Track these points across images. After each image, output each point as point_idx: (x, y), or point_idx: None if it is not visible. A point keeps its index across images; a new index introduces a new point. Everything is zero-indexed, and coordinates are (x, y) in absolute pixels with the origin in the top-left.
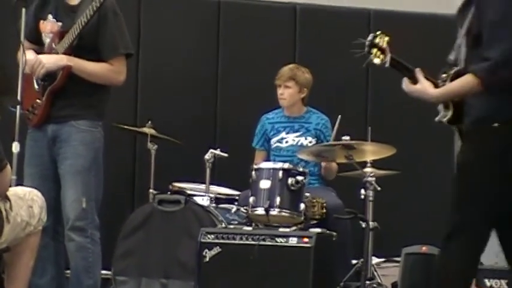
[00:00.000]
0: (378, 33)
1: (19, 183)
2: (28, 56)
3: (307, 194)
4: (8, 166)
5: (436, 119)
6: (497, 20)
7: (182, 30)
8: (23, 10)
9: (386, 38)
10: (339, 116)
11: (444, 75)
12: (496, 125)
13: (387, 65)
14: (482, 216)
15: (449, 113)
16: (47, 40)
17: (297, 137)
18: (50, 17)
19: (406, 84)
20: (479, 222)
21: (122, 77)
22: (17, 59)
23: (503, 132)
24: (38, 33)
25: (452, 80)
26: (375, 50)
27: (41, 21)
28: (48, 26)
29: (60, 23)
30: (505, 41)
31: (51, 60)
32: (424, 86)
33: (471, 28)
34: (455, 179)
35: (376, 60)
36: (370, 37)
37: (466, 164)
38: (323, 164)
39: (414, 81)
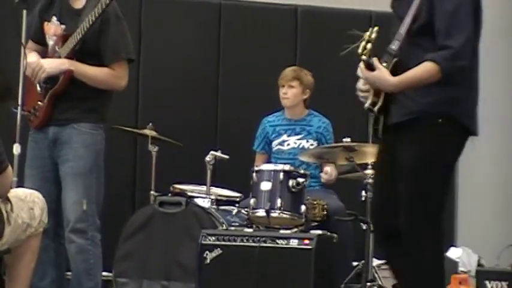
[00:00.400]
0: (376, 29)
1: (20, 184)
2: (30, 58)
3: (308, 197)
4: (9, 168)
5: (366, 105)
6: (455, 11)
7: (183, 32)
8: (24, 12)
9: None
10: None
11: (385, 64)
12: (439, 120)
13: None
14: (440, 207)
15: (381, 101)
16: (50, 42)
17: (298, 139)
18: (54, 19)
19: (362, 70)
20: (439, 212)
21: (123, 82)
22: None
23: (445, 128)
24: (43, 34)
25: (393, 69)
26: (369, 45)
27: (45, 23)
28: (52, 28)
29: (63, 26)
30: (463, 32)
31: (52, 65)
32: (382, 73)
33: (418, 17)
34: (407, 177)
35: (365, 58)
36: (371, 34)
37: (414, 159)
38: (323, 177)
39: (371, 68)
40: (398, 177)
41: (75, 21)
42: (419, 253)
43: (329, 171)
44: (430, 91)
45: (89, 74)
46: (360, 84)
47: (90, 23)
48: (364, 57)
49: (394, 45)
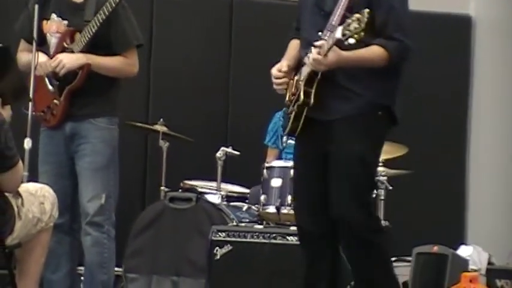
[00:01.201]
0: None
1: (31, 179)
2: (40, 58)
3: None
4: (20, 162)
5: (301, 100)
6: (401, 5)
7: (194, 28)
8: (36, 7)
9: None
10: None
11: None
12: (380, 113)
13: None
14: None
15: (313, 93)
16: (52, 40)
17: None
18: (54, 16)
19: (320, 56)
20: None
21: (135, 69)
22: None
23: (384, 120)
24: (42, 33)
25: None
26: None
27: (44, 22)
28: (54, 25)
29: (65, 22)
30: (409, 26)
31: (71, 60)
32: (338, 51)
33: (351, 9)
34: (354, 169)
35: (353, 40)
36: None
37: (363, 151)
38: None
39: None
40: (334, 171)
41: (79, 16)
42: (377, 238)
43: None
44: (370, 84)
45: (105, 65)
46: (277, 70)
47: (103, 17)
48: (351, 40)
49: (327, 36)
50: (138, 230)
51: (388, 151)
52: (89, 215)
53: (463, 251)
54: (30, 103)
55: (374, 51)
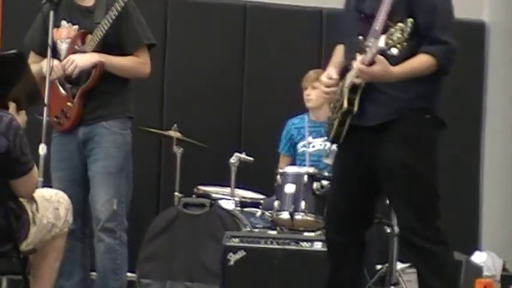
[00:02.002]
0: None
1: (45, 185)
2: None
3: None
4: (35, 168)
5: (345, 106)
6: (445, 5)
7: (208, 34)
8: (51, 13)
9: None
10: None
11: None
12: (427, 116)
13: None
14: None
15: (357, 100)
16: (62, 46)
17: (323, 141)
18: (63, 23)
19: (365, 66)
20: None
21: (148, 69)
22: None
23: (432, 124)
24: (46, 45)
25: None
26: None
27: (55, 29)
28: (64, 31)
29: (76, 26)
30: (452, 28)
31: (83, 59)
32: (386, 66)
33: (393, 13)
34: (404, 177)
35: (396, 51)
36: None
37: (411, 158)
38: None
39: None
40: (380, 179)
41: (90, 19)
42: (440, 248)
43: None
44: (409, 87)
45: (118, 64)
46: (327, 78)
47: (115, 14)
48: (394, 50)
49: (371, 43)
50: (152, 236)
51: None
52: (100, 220)
53: (478, 258)
54: (45, 108)
55: (422, 61)
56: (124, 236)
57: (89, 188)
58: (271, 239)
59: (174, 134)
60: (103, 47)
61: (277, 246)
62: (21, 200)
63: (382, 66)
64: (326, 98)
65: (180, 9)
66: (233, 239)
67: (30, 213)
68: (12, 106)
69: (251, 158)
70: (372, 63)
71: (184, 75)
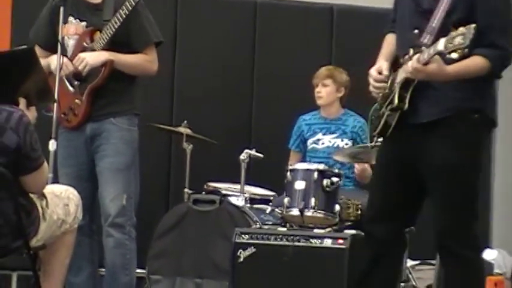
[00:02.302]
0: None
1: (55, 181)
2: (55, 60)
3: (342, 196)
4: (45, 164)
5: (395, 102)
6: (506, 10)
7: (218, 30)
8: (61, 9)
9: None
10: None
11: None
12: (476, 116)
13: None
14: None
15: (408, 96)
16: (70, 42)
17: (333, 138)
18: (71, 19)
19: (420, 66)
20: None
21: (156, 66)
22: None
23: (480, 123)
24: (54, 40)
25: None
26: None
27: (62, 25)
28: (72, 28)
29: (84, 23)
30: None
31: (93, 57)
32: (441, 65)
33: (452, 11)
34: (450, 177)
35: (456, 55)
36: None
37: (460, 159)
38: (356, 171)
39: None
40: (425, 178)
41: (98, 16)
42: (476, 256)
43: (360, 167)
44: (461, 85)
45: (127, 61)
46: (376, 72)
47: (126, 13)
48: (454, 55)
49: (426, 39)
50: (161, 232)
51: None
52: (110, 216)
53: (488, 255)
54: (55, 104)
55: (477, 64)
56: (133, 232)
57: (96, 184)
58: (281, 236)
59: (184, 130)
60: (112, 45)
61: (287, 243)
62: (32, 196)
63: (437, 65)
64: (379, 91)
65: (190, 6)
66: (243, 236)
67: (40, 209)
68: (22, 102)
69: (261, 155)
70: (427, 63)
71: (195, 72)
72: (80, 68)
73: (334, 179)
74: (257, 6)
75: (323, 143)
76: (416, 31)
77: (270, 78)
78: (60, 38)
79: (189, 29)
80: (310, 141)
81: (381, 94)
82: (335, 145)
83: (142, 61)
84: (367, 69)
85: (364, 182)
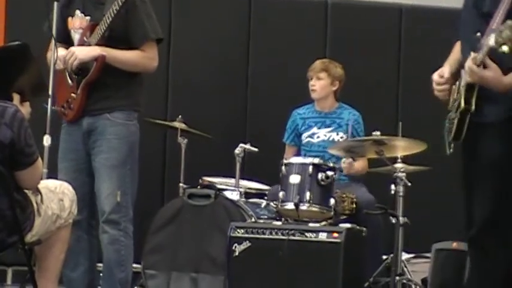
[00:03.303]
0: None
1: (50, 176)
2: (60, 52)
3: (337, 190)
4: (40, 159)
5: (462, 105)
6: None
7: (213, 24)
8: (55, 4)
9: None
10: (378, 132)
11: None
12: None
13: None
14: None
15: (474, 98)
16: (76, 36)
17: (328, 132)
18: (77, 12)
19: (476, 67)
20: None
21: (154, 63)
22: (45, 57)
23: None
24: (65, 32)
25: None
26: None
27: (69, 18)
28: (77, 21)
29: (88, 17)
30: None
31: (84, 52)
32: (497, 73)
33: (510, 12)
34: (486, 172)
35: (506, 48)
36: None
37: (501, 156)
38: (344, 165)
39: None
40: (479, 176)
41: (101, 10)
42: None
43: (346, 160)
44: None
45: (121, 58)
46: (438, 76)
47: (118, 7)
48: (505, 48)
49: (491, 41)
50: (157, 227)
51: (407, 147)
52: (105, 212)
53: None
54: (49, 99)
55: None
56: (129, 227)
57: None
58: (276, 230)
59: (178, 125)
60: (109, 40)
61: (282, 237)
62: (26, 191)
63: (493, 73)
64: (442, 94)
65: (185, 1)
66: (238, 230)
67: (35, 205)
68: (16, 97)
69: (256, 149)
70: (483, 63)
71: (189, 66)
72: (69, 61)
73: (329, 173)
74: (251, 1)
75: (318, 137)
76: (478, 34)
77: (265, 73)
78: (54, 33)
79: (183, 24)
80: (305, 135)
81: (451, 100)
82: (330, 138)
83: (138, 58)
84: (361, 63)
85: (358, 176)
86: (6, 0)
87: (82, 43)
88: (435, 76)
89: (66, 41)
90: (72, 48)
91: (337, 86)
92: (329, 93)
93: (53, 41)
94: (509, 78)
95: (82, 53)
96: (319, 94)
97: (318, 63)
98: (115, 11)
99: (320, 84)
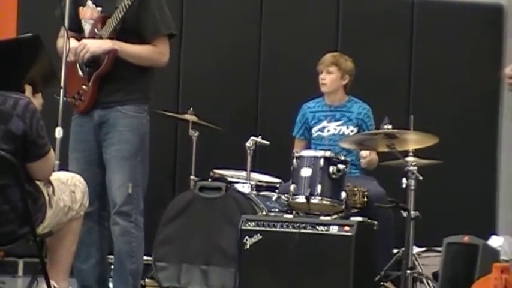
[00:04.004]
0: None
1: (62, 168)
2: (71, 43)
3: (348, 183)
4: (52, 151)
5: None
6: None
7: (224, 17)
8: None
9: None
10: (386, 117)
11: None
12: None
13: None
14: None
15: None
16: (86, 26)
17: (338, 125)
18: (89, 3)
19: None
20: None
21: (165, 58)
22: (56, 45)
23: None
24: (76, 22)
25: None
26: None
27: (80, 8)
28: (88, 12)
29: (99, 8)
30: None
31: (95, 45)
32: None
33: None
34: None
35: None
36: None
37: None
38: (362, 161)
39: None
40: None
41: (112, 2)
42: None
43: (365, 154)
44: None
45: (132, 52)
46: (510, 70)
47: (129, 2)
48: None
49: None
50: (168, 219)
51: (419, 141)
52: (116, 204)
53: (494, 242)
54: (61, 91)
55: None
56: (140, 219)
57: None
58: (287, 223)
59: (190, 117)
60: (121, 33)
61: (293, 230)
62: (38, 183)
63: None
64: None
65: None
66: (249, 223)
67: (46, 196)
68: (28, 89)
69: (267, 142)
70: None
71: (201, 59)
72: (81, 54)
73: (340, 166)
74: None
75: (328, 131)
76: None
77: (276, 66)
78: (66, 24)
79: (195, 16)
80: (315, 128)
81: None
82: (340, 132)
83: (149, 52)
84: (372, 57)
85: (369, 169)
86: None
87: (93, 35)
88: (508, 70)
89: (76, 30)
90: (84, 41)
91: (347, 80)
92: (339, 87)
93: (64, 31)
94: None
95: (94, 46)
96: (329, 88)
97: (328, 57)
98: (128, 5)
99: (330, 78)
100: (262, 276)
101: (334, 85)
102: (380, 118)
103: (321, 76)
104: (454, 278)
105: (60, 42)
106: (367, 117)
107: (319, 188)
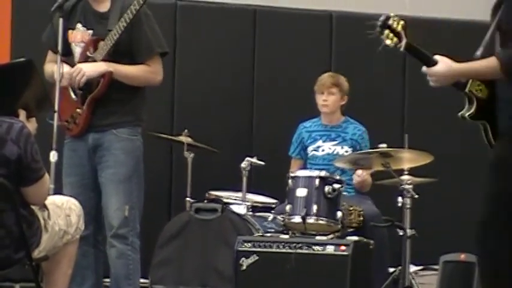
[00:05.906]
0: (391, 14)
1: (57, 192)
2: (64, 68)
3: (344, 203)
4: (47, 175)
5: (460, 113)
6: None
7: (218, 38)
8: (60, 20)
9: (402, 22)
10: (384, 145)
11: None
12: None
13: (402, 49)
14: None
15: (473, 108)
16: (76, 49)
17: (333, 145)
18: (79, 26)
19: (426, 68)
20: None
21: (159, 77)
22: (43, 70)
23: None
24: (66, 44)
25: None
26: (386, 32)
27: (70, 31)
28: (79, 35)
29: (90, 31)
30: None
31: (91, 68)
32: (446, 61)
33: (500, 26)
34: (491, 175)
35: (388, 42)
36: (382, 17)
37: (502, 160)
38: (355, 182)
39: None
40: None
41: (103, 25)
42: None
43: (360, 172)
44: None
45: (127, 73)
46: None
47: (125, 25)
48: (402, 49)
49: (479, 51)
50: (164, 241)
51: (413, 159)
52: (113, 227)
53: None
54: (55, 115)
55: (486, 62)
56: (136, 242)
57: (101, 193)
58: (283, 243)
59: (184, 139)
60: (114, 55)
61: (289, 250)
62: (33, 207)
63: (443, 64)
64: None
65: (189, 14)
66: (245, 244)
67: (42, 221)
68: (22, 113)
69: (262, 162)
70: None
71: (195, 79)
72: (77, 79)
73: (336, 186)
74: (256, 14)
75: (323, 150)
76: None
77: (270, 86)
78: (60, 49)
79: (188, 37)
80: (310, 148)
81: None
82: (335, 152)
83: (144, 72)
84: (366, 76)
85: (362, 191)
86: (12, 14)
87: (85, 58)
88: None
89: (65, 54)
90: (79, 65)
91: (345, 101)
92: (338, 108)
93: (52, 55)
94: (460, 64)
95: (89, 69)
96: (331, 108)
97: (327, 78)
98: (122, 28)
99: (332, 99)
100: None
101: (335, 106)
102: (375, 137)
103: (323, 97)
104: None
105: (49, 67)
106: (361, 139)
107: (315, 207)
